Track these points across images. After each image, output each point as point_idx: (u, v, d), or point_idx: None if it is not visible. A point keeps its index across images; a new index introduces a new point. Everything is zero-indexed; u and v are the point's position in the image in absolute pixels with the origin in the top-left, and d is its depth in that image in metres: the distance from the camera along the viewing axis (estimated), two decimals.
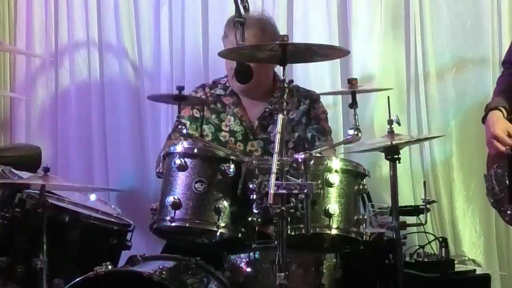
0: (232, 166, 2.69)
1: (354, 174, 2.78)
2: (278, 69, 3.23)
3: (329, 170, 2.67)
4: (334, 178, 2.66)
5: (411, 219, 3.57)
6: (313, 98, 3.62)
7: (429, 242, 3.66)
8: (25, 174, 3.31)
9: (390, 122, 3.29)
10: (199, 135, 3.48)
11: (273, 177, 2.41)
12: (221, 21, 4.04)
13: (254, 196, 2.59)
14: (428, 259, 3.52)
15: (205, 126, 3.59)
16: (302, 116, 3.57)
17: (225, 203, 2.67)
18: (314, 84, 4.03)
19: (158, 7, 4.27)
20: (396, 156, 3.25)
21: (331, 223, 2.66)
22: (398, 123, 3.28)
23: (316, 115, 3.60)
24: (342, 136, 3.91)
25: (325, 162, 2.67)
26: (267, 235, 2.91)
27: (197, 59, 4.23)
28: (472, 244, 4.04)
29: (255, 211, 2.62)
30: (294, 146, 3.51)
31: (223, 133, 3.58)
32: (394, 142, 3.23)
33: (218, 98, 3.63)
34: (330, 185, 2.66)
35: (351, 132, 2.72)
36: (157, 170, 2.82)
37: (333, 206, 2.66)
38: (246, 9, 2.85)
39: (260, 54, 2.75)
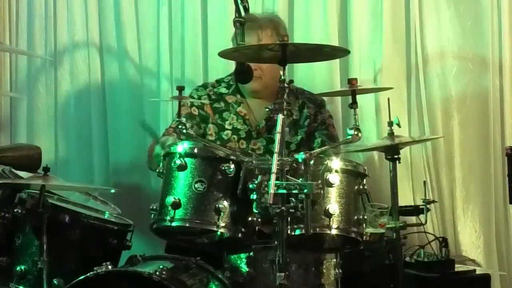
0: (232, 166, 2.69)
1: (354, 174, 2.78)
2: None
3: (329, 170, 2.67)
4: (334, 178, 2.66)
5: (411, 219, 3.57)
6: (317, 103, 3.63)
7: (429, 242, 3.66)
8: (25, 174, 3.31)
9: (390, 124, 3.29)
10: (197, 133, 3.49)
11: (273, 177, 2.41)
12: (221, 21, 4.06)
13: (254, 196, 2.59)
14: (428, 259, 3.52)
15: (210, 126, 3.61)
16: (305, 120, 3.58)
17: (225, 203, 2.67)
18: (315, 85, 4.05)
19: (158, 7, 4.27)
20: (396, 156, 3.26)
21: (331, 223, 2.66)
22: (398, 125, 3.28)
23: (323, 120, 3.61)
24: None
25: (325, 162, 2.67)
26: (267, 235, 2.90)
27: (197, 59, 4.22)
28: (472, 244, 4.04)
29: (255, 211, 2.62)
30: (297, 148, 3.51)
31: (226, 132, 3.59)
32: (394, 143, 3.24)
33: (221, 96, 3.64)
34: (330, 185, 2.66)
35: (351, 132, 2.72)
36: (157, 170, 2.82)
37: (333, 206, 2.66)
38: (246, 9, 2.84)
39: (261, 54, 2.75)
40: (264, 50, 2.72)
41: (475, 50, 4.09)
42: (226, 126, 3.61)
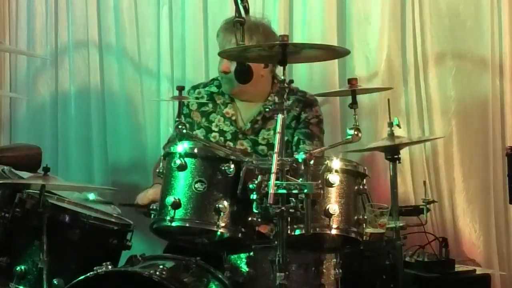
0: (232, 166, 2.69)
1: (354, 174, 2.78)
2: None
3: (329, 170, 2.66)
4: (334, 178, 2.66)
5: (411, 219, 3.57)
6: (306, 103, 3.60)
7: (429, 242, 3.66)
8: (25, 174, 3.31)
9: (390, 124, 3.29)
10: None
11: (273, 177, 2.41)
12: (221, 21, 4.05)
13: (254, 196, 2.59)
14: (428, 259, 3.52)
15: (197, 131, 3.60)
16: (292, 121, 3.56)
17: (225, 203, 2.67)
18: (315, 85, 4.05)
19: (158, 7, 4.27)
20: (396, 156, 3.26)
21: (331, 223, 2.66)
22: (398, 126, 3.28)
23: (306, 119, 3.57)
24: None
25: (325, 162, 2.67)
26: (264, 235, 2.91)
27: (198, 59, 4.22)
28: (472, 244, 4.04)
29: (255, 211, 2.62)
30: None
31: (213, 134, 3.59)
32: (394, 143, 3.24)
33: (210, 95, 3.64)
34: (330, 185, 2.66)
35: (351, 132, 2.72)
36: (157, 170, 2.83)
37: (333, 206, 2.66)
38: (246, 9, 2.84)
39: (260, 54, 2.75)
40: (264, 50, 2.71)
41: (475, 50, 4.09)
42: (213, 128, 3.61)
